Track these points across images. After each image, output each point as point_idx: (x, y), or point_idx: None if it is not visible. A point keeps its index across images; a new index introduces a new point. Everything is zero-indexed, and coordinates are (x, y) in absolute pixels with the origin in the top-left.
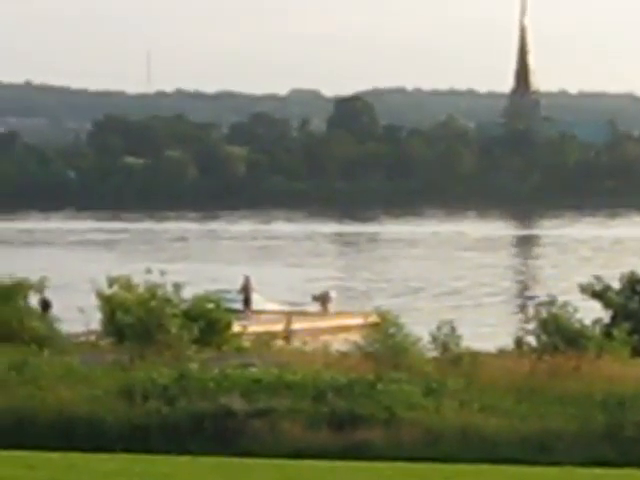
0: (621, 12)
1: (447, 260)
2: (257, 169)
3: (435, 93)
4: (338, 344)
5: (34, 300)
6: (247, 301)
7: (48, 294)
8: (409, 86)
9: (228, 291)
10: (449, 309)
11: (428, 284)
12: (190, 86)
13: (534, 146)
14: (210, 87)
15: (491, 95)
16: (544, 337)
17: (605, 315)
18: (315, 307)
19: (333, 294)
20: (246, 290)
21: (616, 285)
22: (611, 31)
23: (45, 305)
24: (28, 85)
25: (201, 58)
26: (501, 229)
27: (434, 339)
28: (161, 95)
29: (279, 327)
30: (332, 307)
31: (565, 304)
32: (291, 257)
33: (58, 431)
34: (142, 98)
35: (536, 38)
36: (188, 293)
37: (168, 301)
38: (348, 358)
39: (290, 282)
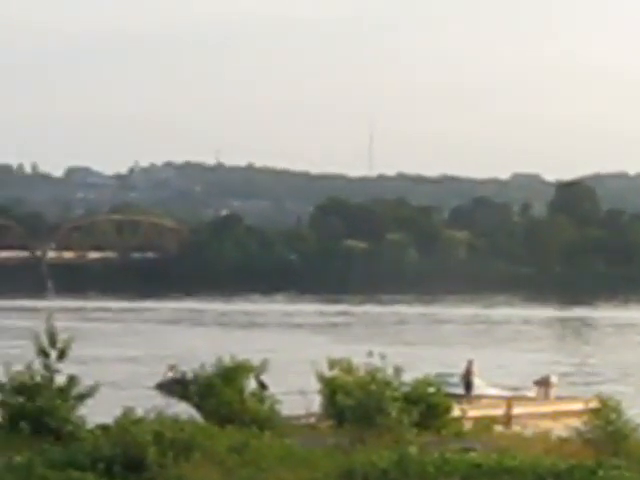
0: None
1: None
2: (478, 253)
3: None
4: (558, 430)
5: (253, 382)
6: (468, 385)
7: (269, 376)
8: (631, 171)
9: (450, 375)
10: None
11: None
12: (412, 170)
13: None
14: (432, 171)
15: None
16: None
17: None
18: (536, 392)
19: (554, 379)
20: (468, 374)
21: None
22: None
23: (261, 387)
24: (250, 168)
25: (423, 142)
26: None
27: None
28: (383, 178)
29: (499, 412)
30: (553, 392)
31: None
32: (511, 341)
33: None
34: (364, 181)
35: None
36: (409, 376)
37: (388, 384)
38: (568, 444)
39: (510, 366)
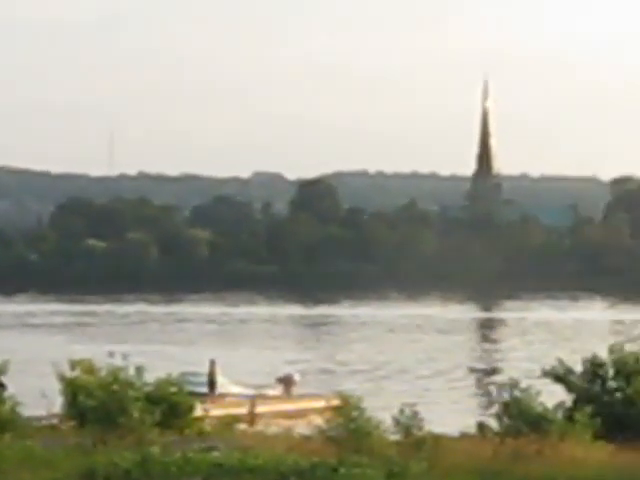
0: (583, 97)
1: (410, 343)
2: (220, 252)
3: (397, 176)
4: (301, 427)
5: None
6: (212, 384)
7: (9, 377)
8: (371, 169)
9: (194, 374)
10: (412, 392)
11: (390, 367)
12: (153, 169)
13: (496, 229)
14: (173, 170)
15: (454, 178)
16: (506, 420)
17: (567, 399)
18: (279, 390)
19: (297, 377)
20: (211, 373)
21: (578, 369)
22: (574, 114)
23: (0, 387)
24: None
25: (164, 141)
26: (464, 312)
27: (396, 422)
28: (124, 178)
29: (243, 410)
30: (296, 390)
31: (527, 387)
32: (255, 340)
33: None
34: (105, 181)
35: (498, 121)
36: (151, 376)
37: (130, 384)
38: (311, 442)
39: (254, 365)
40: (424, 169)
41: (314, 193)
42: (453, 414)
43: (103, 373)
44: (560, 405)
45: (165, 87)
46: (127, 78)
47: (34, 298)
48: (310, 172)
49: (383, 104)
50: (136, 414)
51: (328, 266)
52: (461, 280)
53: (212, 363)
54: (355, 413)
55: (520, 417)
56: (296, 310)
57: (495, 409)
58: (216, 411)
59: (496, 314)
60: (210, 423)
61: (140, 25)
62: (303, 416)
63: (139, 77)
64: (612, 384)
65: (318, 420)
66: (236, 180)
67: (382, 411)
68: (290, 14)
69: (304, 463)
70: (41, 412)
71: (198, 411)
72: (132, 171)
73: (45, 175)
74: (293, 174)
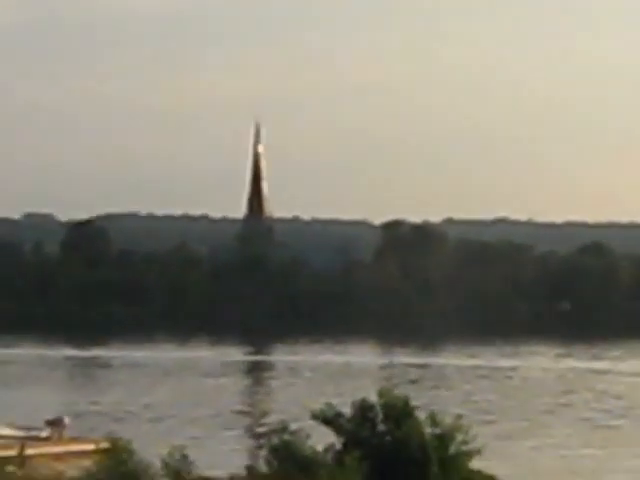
0: (354, 140)
1: (179, 386)
2: None
3: (168, 218)
4: (71, 470)
5: None
6: None
7: None
8: (142, 211)
9: None
10: (181, 435)
11: (160, 410)
12: None
13: (267, 272)
14: None
15: (225, 220)
16: (276, 463)
17: (337, 441)
18: (49, 432)
19: (66, 419)
20: None
21: (348, 411)
22: (347, 158)
23: None
24: None
25: None
26: (234, 355)
27: (165, 465)
28: None
29: (12, 452)
30: (65, 432)
31: (297, 430)
32: (23, 382)
33: None
34: None
35: (270, 164)
36: None
37: None
38: None
39: (23, 406)
40: (195, 211)
41: (85, 235)
42: (223, 457)
43: None
44: (329, 448)
45: None
46: None
47: None
48: (81, 213)
49: (155, 144)
50: None
51: (99, 309)
52: (231, 323)
53: None
54: (124, 456)
55: (289, 460)
56: (65, 352)
57: (264, 452)
58: None
59: (266, 357)
60: None
61: None
62: (73, 459)
63: None
64: (382, 427)
65: (88, 463)
66: (6, 221)
67: (152, 454)
68: None
69: None
70: None
71: None
72: None
73: None
74: (65, 215)
